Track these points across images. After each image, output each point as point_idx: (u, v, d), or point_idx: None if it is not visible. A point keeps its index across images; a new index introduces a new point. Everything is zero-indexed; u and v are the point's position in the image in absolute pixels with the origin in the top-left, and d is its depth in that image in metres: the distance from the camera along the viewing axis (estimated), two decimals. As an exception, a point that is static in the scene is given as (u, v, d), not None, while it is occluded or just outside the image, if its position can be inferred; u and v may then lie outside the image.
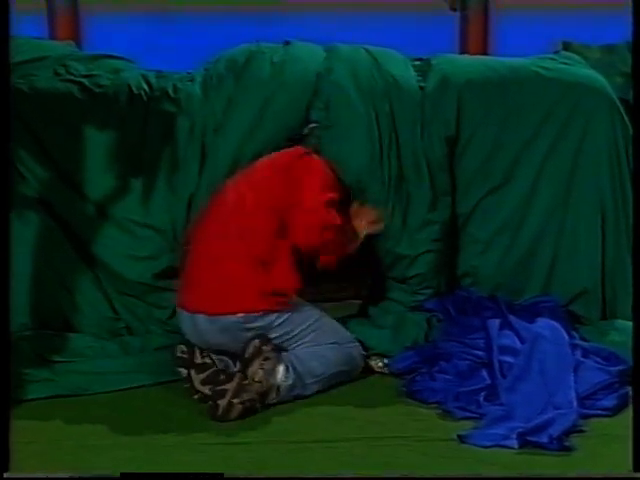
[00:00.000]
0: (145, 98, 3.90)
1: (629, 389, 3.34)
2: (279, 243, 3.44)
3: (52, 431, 3.22)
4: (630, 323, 3.61)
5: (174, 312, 3.66)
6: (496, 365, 3.46)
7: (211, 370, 3.42)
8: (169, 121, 3.88)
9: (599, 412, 3.30)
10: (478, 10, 4.92)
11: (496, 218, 3.92)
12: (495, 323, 3.61)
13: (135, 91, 3.90)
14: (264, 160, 3.65)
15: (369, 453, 3.08)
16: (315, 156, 3.62)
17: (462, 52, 4.83)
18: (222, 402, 3.28)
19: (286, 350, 3.46)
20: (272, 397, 3.37)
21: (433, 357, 3.58)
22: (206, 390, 3.37)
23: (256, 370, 3.36)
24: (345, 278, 3.96)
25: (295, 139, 3.76)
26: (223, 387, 3.31)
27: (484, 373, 3.48)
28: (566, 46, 4.26)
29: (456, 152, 3.89)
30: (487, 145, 3.90)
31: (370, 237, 3.71)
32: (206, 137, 3.86)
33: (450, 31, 4.93)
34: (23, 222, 3.78)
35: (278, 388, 3.38)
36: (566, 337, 3.58)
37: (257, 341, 3.39)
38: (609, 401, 3.35)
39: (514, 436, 3.11)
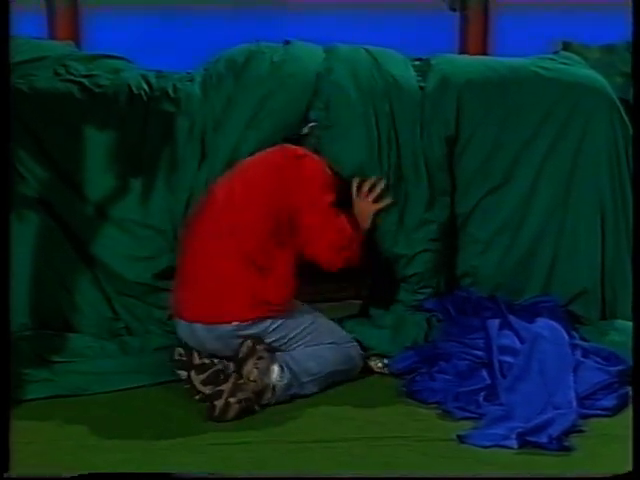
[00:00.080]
0: (145, 98, 3.90)
1: (629, 389, 3.35)
2: (277, 252, 3.41)
3: (52, 431, 3.22)
4: (630, 323, 3.62)
5: (173, 312, 3.67)
6: (496, 365, 3.46)
7: (211, 370, 3.42)
8: (169, 121, 3.88)
9: (599, 412, 3.30)
10: (478, 10, 4.92)
11: (496, 218, 3.93)
12: (495, 323, 3.61)
13: (135, 91, 3.90)
14: (256, 157, 3.62)
15: (369, 453, 3.08)
16: (315, 156, 3.62)
17: (462, 52, 4.83)
18: (219, 402, 3.28)
19: (282, 351, 3.46)
20: (268, 397, 3.37)
21: (433, 357, 3.58)
22: (207, 390, 3.37)
23: (251, 369, 3.36)
24: (345, 278, 3.96)
25: (294, 139, 3.76)
26: (219, 388, 3.32)
27: (484, 373, 3.48)
28: (566, 46, 4.26)
29: (456, 152, 3.89)
30: (487, 145, 3.90)
31: (369, 236, 3.72)
32: (206, 136, 3.86)
33: (450, 31, 4.93)
34: (23, 222, 3.78)
35: (274, 388, 3.38)
36: (566, 337, 3.58)
37: (250, 341, 3.39)
38: (609, 401, 3.35)
39: (514, 436, 3.11)
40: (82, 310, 3.83)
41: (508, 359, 3.48)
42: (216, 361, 3.46)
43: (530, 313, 3.73)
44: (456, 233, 3.93)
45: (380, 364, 3.65)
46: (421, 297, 3.84)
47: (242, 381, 3.34)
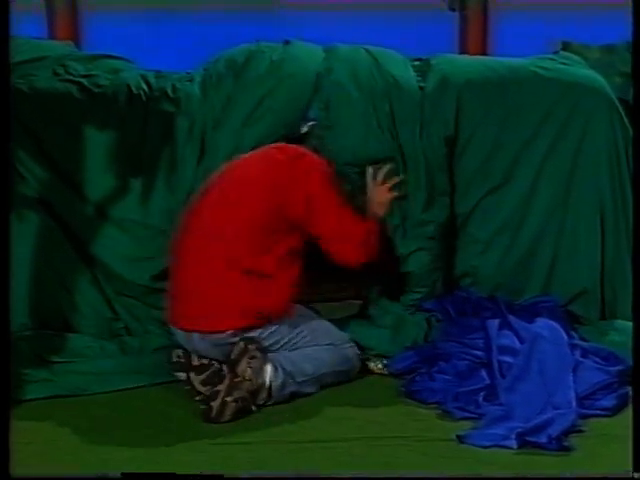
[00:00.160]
0: (144, 98, 3.90)
1: (628, 389, 3.35)
2: (271, 257, 3.38)
3: (52, 431, 3.22)
4: (629, 323, 3.62)
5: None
6: (495, 365, 3.46)
7: (210, 371, 3.42)
8: (168, 121, 3.88)
9: (598, 412, 3.30)
10: (477, 10, 4.92)
11: (496, 218, 3.93)
12: (494, 323, 3.61)
13: (134, 91, 3.90)
14: (252, 155, 3.60)
15: (369, 453, 3.08)
16: (314, 155, 3.61)
17: (461, 52, 4.83)
18: (215, 403, 3.28)
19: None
20: (263, 396, 3.37)
21: (432, 357, 3.58)
22: (207, 391, 3.37)
23: (244, 368, 3.35)
24: (345, 278, 3.96)
25: (294, 138, 3.76)
26: (215, 389, 3.32)
27: (483, 373, 3.48)
28: (565, 46, 4.27)
29: (455, 152, 3.89)
30: (487, 145, 3.90)
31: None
32: (206, 136, 3.86)
33: (449, 31, 4.93)
34: (23, 222, 3.78)
35: (269, 387, 3.38)
36: (565, 337, 3.58)
37: (242, 342, 3.38)
38: (608, 401, 3.35)
39: (513, 436, 3.10)
40: (82, 310, 3.83)
41: (508, 359, 3.48)
42: (214, 362, 3.45)
43: (530, 313, 3.73)
44: (456, 233, 3.93)
45: (380, 365, 3.65)
46: (418, 296, 3.84)
47: (238, 379, 3.34)
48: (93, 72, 3.96)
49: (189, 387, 3.43)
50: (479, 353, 3.54)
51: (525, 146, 3.90)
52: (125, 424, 3.28)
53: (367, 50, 3.98)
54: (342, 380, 3.54)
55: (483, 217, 3.93)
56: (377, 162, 3.73)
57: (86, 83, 3.90)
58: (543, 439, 3.08)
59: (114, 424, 3.28)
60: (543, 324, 3.63)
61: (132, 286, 3.82)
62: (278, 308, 3.41)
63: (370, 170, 3.69)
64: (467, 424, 3.23)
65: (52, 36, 4.73)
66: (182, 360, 3.45)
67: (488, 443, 3.10)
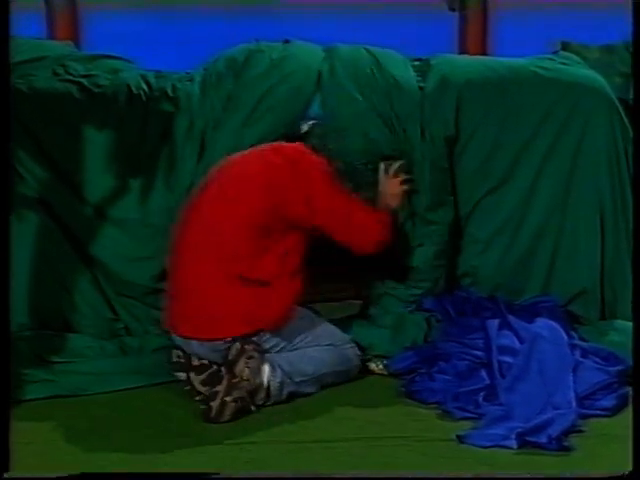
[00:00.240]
0: (144, 98, 3.90)
1: (628, 389, 3.35)
2: (267, 262, 3.37)
3: (52, 431, 3.22)
4: (629, 323, 3.62)
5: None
6: (495, 365, 3.46)
7: (210, 371, 3.42)
8: (168, 121, 3.88)
9: (598, 412, 3.30)
10: (477, 10, 4.91)
11: (496, 218, 3.93)
12: (494, 323, 3.61)
13: (134, 91, 3.90)
14: (249, 154, 3.58)
15: (368, 453, 3.08)
16: (313, 153, 3.60)
17: (461, 52, 4.82)
18: (214, 403, 3.28)
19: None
20: (262, 396, 3.37)
21: (432, 357, 3.58)
22: (207, 391, 3.37)
23: (242, 368, 3.35)
24: (345, 278, 3.96)
25: (295, 137, 3.75)
26: (214, 389, 3.32)
27: (483, 373, 3.48)
28: (565, 46, 4.27)
29: (455, 152, 3.90)
30: (486, 145, 3.90)
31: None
32: (206, 135, 3.86)
33: (449, 31, 4.93)
34: (23, 222, 3.78)
35: (268, 387, 3.38)
36: (565, 337, 3.58)
37: (238, 343, 3.38)
38: (608, 401, 3.35)
39: (513, 436, 3.11)
40: (81, 310, 3.83)
41: (507, 359, 3.48)
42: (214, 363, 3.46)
43: (529, 313, 3.73)
44: (456, 233, 3.93)
45: (381, 366, 3.65)
46: (419, 292, 3.84)
47: (237, 379, 3.34)
48: (93, 72, 3.96)
49: (189, 387, 3.43)
50: (479, 353, 3.54)
51: (525, 146, 3.90)
52: (125, 424, 3.28)
53: (367, 50, 3.98)
54: (342, 380, 3.54)
55: (483, 217, 3.93)
56: (388, 158, 3.73)
57: (86, 83, 3.90)
58: (543, 439, 3.08)
59: (114, 424, 3.28)
60: (543, 324, 3.63)
61: (132, 286, 3.82)
62: (278, 317, 3.40)
63: (382, 166, 3.70)
64: (467, 424, 3.23)
65: (52, 36, 4.72)
66: (182, 360, 3.45)
67: (488, 443, 3.10)
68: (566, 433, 3.13)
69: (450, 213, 3.87)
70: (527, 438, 3.10)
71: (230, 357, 3.37)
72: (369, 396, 3.47)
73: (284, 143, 3.63)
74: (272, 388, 3.38)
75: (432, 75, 3.92)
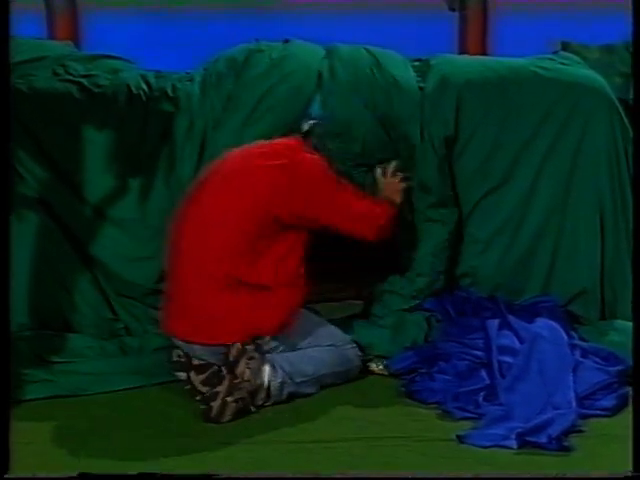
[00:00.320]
0: (144, 98, 3.90)
1: (628, 389, 3.35)
2: (263, 265, 3.35)
3: (52, 431, 3.22)
4: (629, 323, 3.62)
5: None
6: (495, 365, 3.46)
7: (210, 371, 3.41)
8: (168, 121, 3.88)
9: (598, 412, 3.30)
10: (477, 10, 4.92)
11: (495, 218, 3.93)
12: (494, 323, 3.61)
13: (134, 91, 3.91)
14: (250, 150, 3.56)
15: (369, 453, 3.08)
16: (313, 153, 3.59)
17: (461, 52, 4.83)
18: (215, 403, 3.28)
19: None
20: (262, 397, 3.37)
21: (432, 357, 3.58)
22: (207, 391, 3.37)
23: (243, 369, 3.35)
24: (345, 278, 3.96)
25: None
26: (215, 390, 3.31)
27: (483, 373, 3.48)
28: (565, 46, 4.27)
29: (455, 152, 3.90)
30: (486, 145, 3.90)
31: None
32: (205, 135, 3.86)
33: (449, 31, 4.93)
34: (23, 222, 3.78)
35: (268, 387, 3.38)
36: (565, 337, 3.58)
37: (238, 344, 3.38)
38: (608, 401, 3.35)
39: (513, 436, 3.11)
40: (81, 310, 3.84)
41: (507, 359, 3.48)
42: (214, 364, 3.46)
43: (529, 313, 3.73)
44: (456, 233, 3.93)
45: (381, 366, 3.65)
46: (421, 284, 3.83)
47: (237, 380, 3.34)
48: (93, 72, 3.97)
49: (189, 387, 3.43)
50: (479, 353, 3.54)
51: (525, 146, 3.90)
52: (125, 424, 3.28)
53: (367, 50, 3.98)
54: (343, 381, 3.54)
55: (483, 217, 3.93)
56: (382, 162, 3.73)
57: (86, 83, 3.90)
58: (543, 439, 3.08)
59: (114, 424, 3.28)
60: (543, 324, 3.63)
61: (132, 286, 3.82)
62: (278, 324, 3.40)
63: (378, 170, 3.70)
64: (467, 424, 3.24)
65: (52, 36, 4.73)
66: (182, 360, 3.45)
67: (488, 443, 3.10)
68: (566, 433, 3.13)
69: (454, 213, 3.86)
70: (527, 438, 3.10)
71: (231, 358, 3.36)
72: (369, 396, 3.48)
73: (283, 143, 3.61)
74: (273, 388, 3.38)
75: (432, 75, 3.92)
